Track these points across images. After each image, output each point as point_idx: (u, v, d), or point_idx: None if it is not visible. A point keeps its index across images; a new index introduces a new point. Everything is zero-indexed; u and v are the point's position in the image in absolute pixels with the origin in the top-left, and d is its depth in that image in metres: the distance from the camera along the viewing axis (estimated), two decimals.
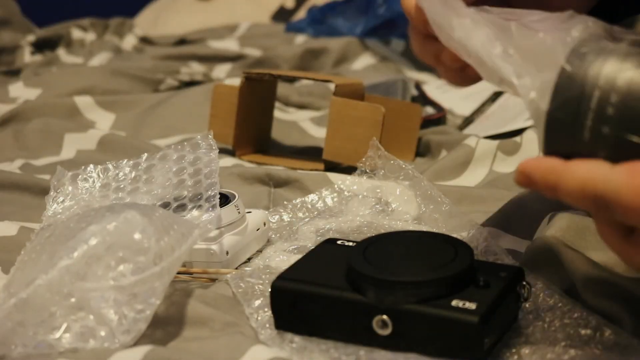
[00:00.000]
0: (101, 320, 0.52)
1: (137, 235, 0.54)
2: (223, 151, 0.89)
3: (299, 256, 0.59)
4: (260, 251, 0.69)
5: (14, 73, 1.41)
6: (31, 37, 1.57)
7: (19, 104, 1.10)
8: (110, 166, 0.71)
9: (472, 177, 0.84)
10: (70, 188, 0.70)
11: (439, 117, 1.04)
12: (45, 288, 0.52)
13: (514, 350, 0.52)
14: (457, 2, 0.52)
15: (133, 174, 0.70)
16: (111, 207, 0.58)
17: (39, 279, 0.52)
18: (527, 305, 0.56)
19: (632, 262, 0.45)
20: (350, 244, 0.59)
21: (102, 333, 0.52)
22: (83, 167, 0.71)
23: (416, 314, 0.50)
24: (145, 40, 1.60)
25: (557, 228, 0.61)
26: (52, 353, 0.52)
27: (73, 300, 0.52)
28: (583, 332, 0.53)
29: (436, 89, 1.17)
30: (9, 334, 0.51)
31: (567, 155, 0.44)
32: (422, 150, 0.94)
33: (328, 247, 0.59)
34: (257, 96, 0.96)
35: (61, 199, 0.69)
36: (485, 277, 0.52)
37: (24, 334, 0.51)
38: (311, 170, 0.86)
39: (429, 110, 1.05)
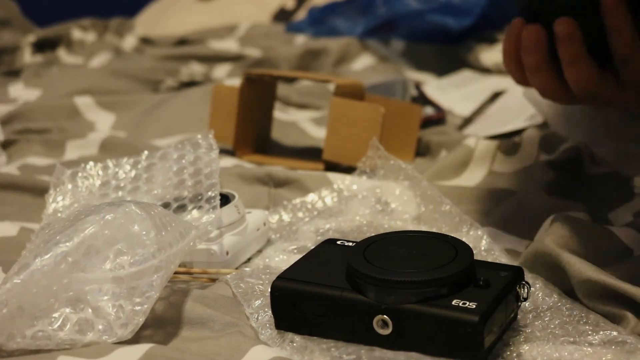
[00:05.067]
0: (99, 314, 0.52)
1: (136, 228, 0.54)
2: (223, 151, 0.89)
3: (299, 256, 0.59)
4: (260, 251, 0.69)
5: (14, 73, 1.41)
6: (31, 38, 1.57)
7: (19, 105, 1.10)
8: (110, 164, 0.71)
9: (471, 177, 0.84)
10: (70, 186, 0.70)
11: (439, 118, 1.04)
12: (41, 274, 0.52)
13: (513, 349, 0.52)
14: None
15: (133, 173, 0.70)
16: (110, 202, 0.58)
17: (33, 264, 0.52)
18: (526, 305, 0.56)
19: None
20: (350, 243, 0.59)
21: (100, 326, 0.52)
22: (82, 165, 0.71)
23: (416, 313, 0.50)
24: (145, 41, 1.60)
25: (558, 235, 0.61)
26: (50, 344, 0.51)
27: (71, 293, 0.52)
28: (582, 329, 0.53)
29: (436, 89, 1.17)
30: (7, 323, 0.51)
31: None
32: (422, 151, 0.94)
33: (328, 247, 0.59)
34: (257, 96, 0.96)
35: (61, 197, 0.69)
36: (485, 276, 0.52)
37: (22, 324, 0.51)
38: (311, 170, 0.86)
39: (429, 110, 1.05)
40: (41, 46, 1.56)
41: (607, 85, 0.64)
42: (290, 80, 1.21)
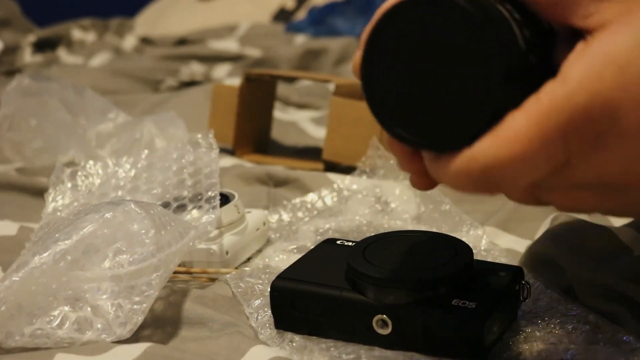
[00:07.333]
0: (98, 312, 0.52)
1: (135, 227, 0.54)
2: (223, 151, 0.89)
3: (298, 256, 0.59)
4: (260, 251, 0.69)
5: (14, 73, 1.41)
6: (31, 37, 1.57)
7: None
8: (109, 162, 0.71)
9: None
10: (69, 185, 0.70)
11: None
12: (40, 272, 0.51)
13: (513, 349, 0.52)
14: None
15: (133, 172, 0.70)
16: (110, 201, 0.58)
17: (32, 262, 0.52)
18: (526, 305, 0.56)
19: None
20: (350, 243, 0.59)
21: (99, 325, 0.52)
22: (82, 164, 0.71)
23: (416, 313, 0.50)
24: (145, 41, 1.60)
25: (558, 235, 0.61)
26: (48, 343, 0.51)
27: (70, 291, 0.52)
28: (582, 329, 0.53)
29: None
30: (5, 321, 0.51)
31: None
32: None
33: (327, 246, 0.59)
34: (257, 96, 0.96)
35: (60, 196, 0.69)
36: (485, 276, 0.52)
37: (21, 322, 0.51)
38: (311, 170, 0.86)
39: None
40: (41, 46, 1.56)
41: None
42: (290, 80, 1.21)
